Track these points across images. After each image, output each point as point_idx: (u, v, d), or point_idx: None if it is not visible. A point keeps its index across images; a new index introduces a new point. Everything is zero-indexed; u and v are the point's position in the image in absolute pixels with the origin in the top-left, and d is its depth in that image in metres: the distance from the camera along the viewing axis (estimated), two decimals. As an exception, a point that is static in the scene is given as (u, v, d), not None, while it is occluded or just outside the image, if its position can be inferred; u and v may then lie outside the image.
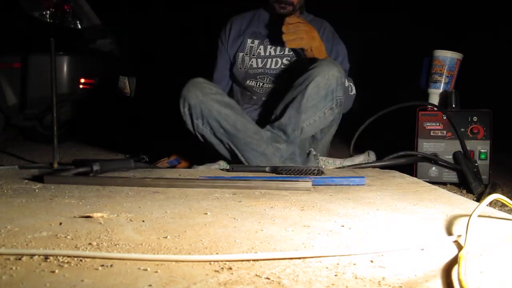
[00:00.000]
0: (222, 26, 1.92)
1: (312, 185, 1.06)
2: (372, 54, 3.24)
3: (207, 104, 1.51)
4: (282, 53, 1.79)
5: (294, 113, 1.53)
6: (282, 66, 1.78)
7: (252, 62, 1.81)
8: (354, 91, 1.75)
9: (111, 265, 0.51)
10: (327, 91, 1.54)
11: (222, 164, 1.55)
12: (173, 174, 1.32)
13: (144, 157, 1.62)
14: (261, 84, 1.78)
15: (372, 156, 1.63)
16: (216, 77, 1.90)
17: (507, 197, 0.84)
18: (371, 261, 0.54)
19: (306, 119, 1.56)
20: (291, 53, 1.77)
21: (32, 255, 0.54)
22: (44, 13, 2.72)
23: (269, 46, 1.81)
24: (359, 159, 1.62)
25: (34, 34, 2.55)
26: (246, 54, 1.83)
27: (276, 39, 1.72)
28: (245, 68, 1.82)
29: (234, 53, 1.85)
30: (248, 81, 1.80)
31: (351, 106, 1.78)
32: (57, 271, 0.49)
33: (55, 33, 1.70)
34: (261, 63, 1.80)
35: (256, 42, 1.83)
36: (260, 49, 1.82)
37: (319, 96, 1.54)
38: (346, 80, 1.70)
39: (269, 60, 1.80)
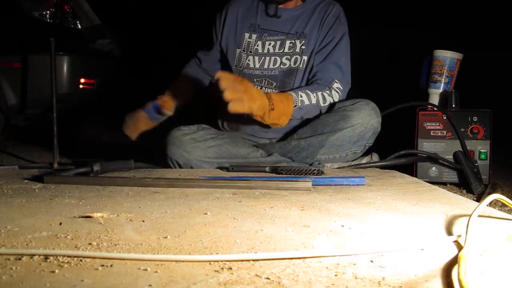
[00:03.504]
0: (217, 12, 1.77)
1: (312, 185, 1.06)
2: (371, 54, 3.24)
3: (196, 161, 1.45)
4: (281, 51, 1.65)
5: (316, 143, 1.51)
6: (281, 66, 1.65)
7: (249, 60, 1.67)
8: (327, 103, 1.59)
9: (111, 265, 0.51)
10: (359, 138, 1.52)
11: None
12: (173, 174, 1.32)
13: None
14: (258, 88, 1.64)
15: (375, 158, 1.63)
16: (204, 58, 1.80)
17: (507, 197, 0.84)
18: (371, 261, 0.54)
19: (326, 153, 1.53)
20: (291, 51, 1.64)
21: (32, 255, 0.54)
22: (44, 13, 2.72)
23: (267, 42, 1.66)
24: (362, 162, 1.61)
25: (34, 34, 2.55)
26: (243, 50, 1.68)
27: (275, 32, 1.65)
28: (240, 67, 1.68)
29: (229, 46, 1.71)
30: None
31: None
32: (57, 271, 0.49)
33: (55, 33, 1.71)
34: (259, 63, 1.67)
35: (254, 36, 1.67)
36: (258, 45, 1.67)
37: (350, 141, 1.51)
38: (330, 95, 1.59)
39: (267, 58, 1.66)
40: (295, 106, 1.52)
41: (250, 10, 1.70)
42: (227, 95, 1.30)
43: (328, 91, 1.59)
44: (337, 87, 1.61)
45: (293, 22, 1.66)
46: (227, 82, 1.32)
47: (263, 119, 1.45)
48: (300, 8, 1.67)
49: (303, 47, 1.64)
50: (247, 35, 1.69)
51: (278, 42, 1.66)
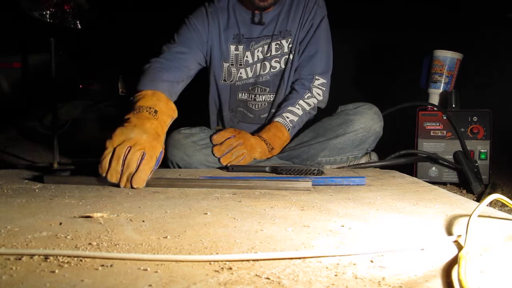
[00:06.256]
0: (198, 14, 1.59)
1: (312, 185, 1.06)
2: (370, 54, 3.24)
3: (197, 165, 1.45)
4: (269, 54, 1.62)
5: (318, 146, 1.52)
6: (272, 70, 1.63)
7: (241, 73, 1.63)
8: (312, 105, 1.61)
9: (111, 265, 0.51)
10: (361, 142, 1.52)
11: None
12: (173, 174, 1.32)
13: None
14: (253, 96, 1.65)
15: (374, 157, 1.63)
16: (183, 52, 1.52)
17: (507, 197, 0.84)
18: (371, 261, 0.54)
19: (327, 155, 1.53)
20: (279, 52, 1.62)
21: (32, 255, 0.54)
22: (44, 13, 2.72)
23: (256, 50, 1.61)
24: (361, 161, 1.62)
25: (34, 34, 2.55)
26: (232, 64, 1.62)
27: (260, 38, 1.60)
28: (231, 81, 1.63)
29: (214, 58, 1.60)
30: (239, 94, 1.65)
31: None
32: (57, 271, 0.49)
33: (55, 33, 1.71)
34: (251, 72, 1.63)
35: (241, 48, 1.61)
36: (247, 56, 1.61)
37: (352, 144, 1.52)
38: (315, 97, 1.60)
39: (258, 65, 1.62)
40: (288, 130, 1.55)
41: (230, 20, 1.61)
42: (225, 162, 1.43)
43: (308, 94, 1.60)
44: (318, 84, 1.61)
45: (275, 23, 1.62)
46: (221, 146, 1.44)
47: (267, 157, 1.53)
48: (278, 6, 1.62)
49: (290, 45, 1.62)
50: (232, 47, 1.61)
51: (265, 47, 1.62)
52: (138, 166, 1.01)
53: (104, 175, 1.01)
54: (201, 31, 1.58)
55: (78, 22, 2.91)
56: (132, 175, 1.01)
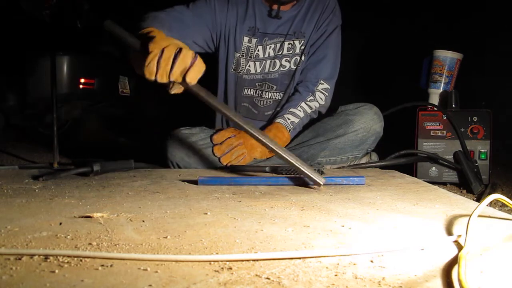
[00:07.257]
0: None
1: (312, 185, 1.06)
2: (370, 54, 3.24)
3: (197, 165, 1.45)
4: (280, 53, 1.62)
5: (318, 146, 1.52)
6: (281, 69, 1.63)
7: (249, 66, 1.62)
8: (314, 108, 1.60)
9: (111, 265, 0.51)
10: (361, 143, 1.52)
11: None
12: (173, 174, 1.32)
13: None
14: (259, 93, 1.65)
15: (374, 157, 1.63)
16: (175, 19, 1.42)
17: (507, 197, 0.84)
18: (371, 261, 0.54)
19: (328, 156, 1.53)
20: (290, 52, 1.62)
21: (32, 255, 0.54)
22: (44, 13, 2.72)
23: (268, 46, 1.62)
24: (361, 161, 1.62)
25: (34, 34, 2.56)
26: (242, 55, 1.61)
27: (274, 35, 1.61)
28: (239, 72, 1.63)
29: (230, 47, 1.60)
30: (246, 90, 1.65)
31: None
32: (57, 271, 0.49)
33: (55, 33, 1.71)
34: (260, 68, 1.62)
35: (254, 41, 1.61)
36: (258, 50, 1.61)
37: (352, 145, 1.52)
38: (317, 101, 1.60)
39: (268, 62, 1.62)
40: (289, 131, 1.54)
41: (248, 12, 1.61)
42: (225, 162, 1.43)
43: (311, 97, 1.59)
44: (322, 88, 1.61)
45: (291, 23, 1.63)
46: (221, 146, 1.43)
47: (267, 157, 1.52)
48: (296, 7, 1.63)
49: (302, 47, 1.63)
50: (246, 39, 1.61)
51: (278, 45, 1.63)
52: (191, 65, 1.00)
53: (153, 78, 0.99)
54: (217, 13, 1.57)
55: (78, 22, 2.91)
56: (186, 70, 0.99)
